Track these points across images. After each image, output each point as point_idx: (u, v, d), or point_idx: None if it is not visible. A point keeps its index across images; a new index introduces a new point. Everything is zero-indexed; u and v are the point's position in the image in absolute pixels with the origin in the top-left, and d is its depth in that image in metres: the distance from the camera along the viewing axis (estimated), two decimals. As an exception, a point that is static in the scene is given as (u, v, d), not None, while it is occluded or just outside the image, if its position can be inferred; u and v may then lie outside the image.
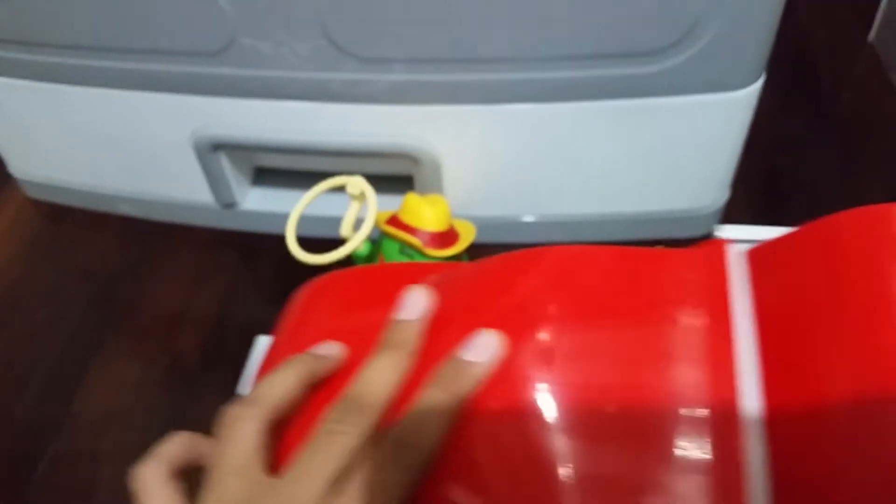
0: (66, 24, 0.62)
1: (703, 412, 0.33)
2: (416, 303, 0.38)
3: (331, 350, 0.38)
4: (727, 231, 0.44)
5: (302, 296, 0.49)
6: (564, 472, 0.31)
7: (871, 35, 0.99)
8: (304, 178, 0.68)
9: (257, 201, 0.76)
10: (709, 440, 0.32)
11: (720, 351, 0.35)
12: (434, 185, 0.68)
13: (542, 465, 0.32)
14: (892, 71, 0.93)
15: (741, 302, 0.38)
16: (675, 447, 0.32)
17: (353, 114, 0.64)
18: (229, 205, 0.75)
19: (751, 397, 0.33)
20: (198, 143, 0.69)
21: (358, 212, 0.62)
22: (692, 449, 0.32)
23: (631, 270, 0.40)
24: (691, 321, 0.36)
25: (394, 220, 0.64)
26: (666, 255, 0.41)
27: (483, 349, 0.34)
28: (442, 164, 0.67)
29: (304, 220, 0.70)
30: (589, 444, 0.32)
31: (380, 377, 0.34)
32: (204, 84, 0.64)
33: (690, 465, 0.32)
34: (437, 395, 0.33)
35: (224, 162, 0.71)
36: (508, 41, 0.58)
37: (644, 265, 0.40)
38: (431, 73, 0.60)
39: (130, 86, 0.66)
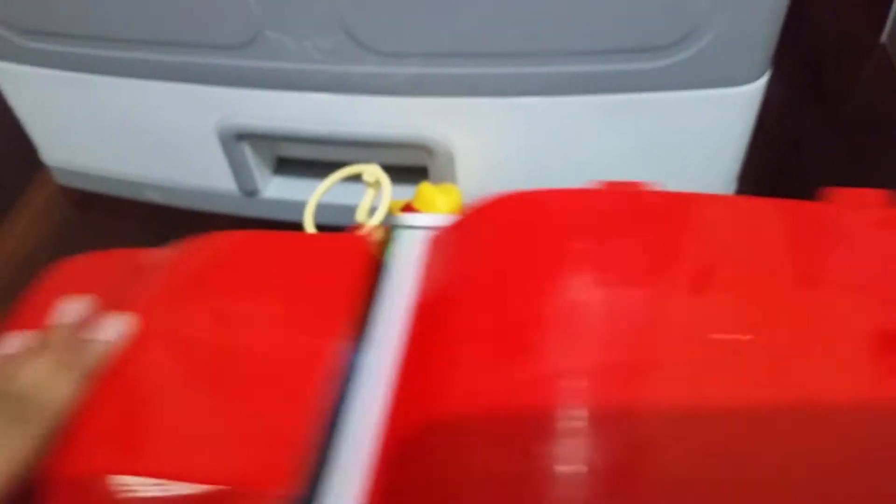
0: (97, 16, 0.65)
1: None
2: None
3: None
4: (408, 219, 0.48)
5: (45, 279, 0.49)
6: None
7: (883, 37, 1.00)
8: (324, 168, 0.70)
9: (278, 189, 0.79)
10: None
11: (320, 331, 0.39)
12: (448, 176, 0.71)
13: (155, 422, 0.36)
14: (902, 72, 0.94)
15: (393, 291, 0.42)
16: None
17: (372, 106, 0.67)
18: (251, 192, 0.78)
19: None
20: (223, 132, 0.72)
21: (373, 199, 0.65)
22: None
23: (284, 255, 0.46)
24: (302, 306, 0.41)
25: (408, 209, 0.66)
26: (319, 240, 0.47)
27: (107, 330, 0.39)
28: (455, 155, 0.69)
29: (322, 208, 0.72)
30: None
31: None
32: (229, 76, 0.67)
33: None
34: (58, 363, 0.37)
35: (247, 151, 0.74)
36: (520, 36, 0.60)
37: (297, 251, 0.46)
38: (446, 66, 0.63)
39: (158, 76, 0.69)
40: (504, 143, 0.69)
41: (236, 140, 0.72)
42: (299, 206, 0.66)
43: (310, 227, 0.64)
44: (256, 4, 0.60)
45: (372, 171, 0.64)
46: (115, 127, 0.77)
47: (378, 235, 0.66)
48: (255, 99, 0.68)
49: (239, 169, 0.75)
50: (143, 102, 0.72)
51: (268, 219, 0.80)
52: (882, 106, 0.93)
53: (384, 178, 0.63)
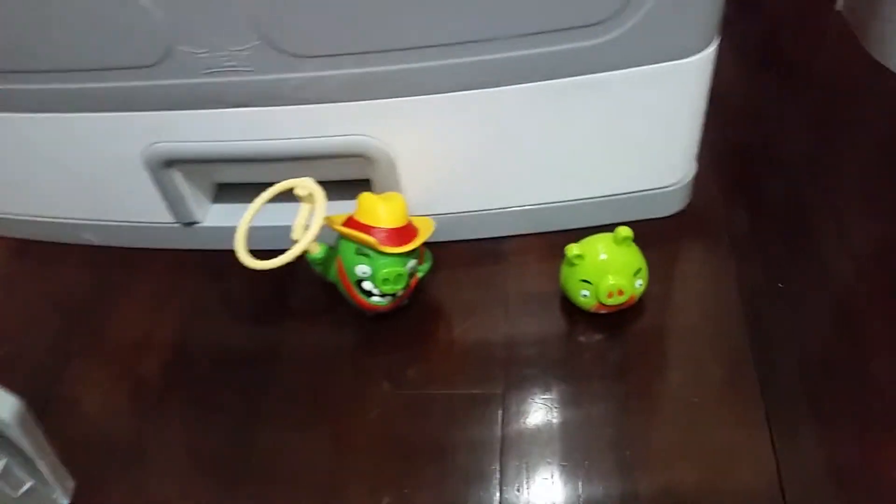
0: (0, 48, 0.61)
1: None
2: None
3: None
4: None
5: None
6: None
7: (839, 4, 0.97)
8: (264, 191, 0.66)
9: (219, 217, 0.75)
10: None
11: None
12: (391, 185, 0.67)
13: None
14: (861, 38, 0.91)
15: None
16: None
17: (302, 117, 0.63)
18: (190, 223, 0.74)
19: None
20: (149, 160, 0.67)
21: (309, 214, 0.61)
22: None
23: None
24: None
25: (350, 221, 0.62)
26: None
27: None
28: (397, 161, 0.65)
29: (262, 231, 0.68)
30: None
31: None
32: (147, 99, 0.63)
33: None
34: None
35: (178, 179, 0.70)
36: (453, 24, 0.56)
37: None
38: (376, 65, 0.59)
39: (74, 108, 0.65)
40: (446, 144, 0.65)
41: (165, 167, 0.68)
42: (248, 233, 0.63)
43: (241, 248, 0.60)
44: (162, 19, 0.56)
45: (304, 185, 0.60)
46: (41, 167, 0.72)
47: (314, 251, 0.62)
48: (177, 121, 0.64)
49: (173, 199, 0.71)
50: (65, 137, 0.68)
51: (212, 249, 0.75)
52: (843, 74, 0.89)
53: (317, 191, 0.59)
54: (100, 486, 0.59)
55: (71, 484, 0.57)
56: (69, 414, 0.64)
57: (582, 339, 0.64)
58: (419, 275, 0.65)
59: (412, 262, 0.62)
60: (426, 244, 0.69)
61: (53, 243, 0.80)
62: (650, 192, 0.69)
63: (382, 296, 0.62)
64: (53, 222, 0.78)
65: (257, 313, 0.71)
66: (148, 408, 0.64)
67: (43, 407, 0.65)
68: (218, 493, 0.58)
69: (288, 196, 0.62)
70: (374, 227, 0.60)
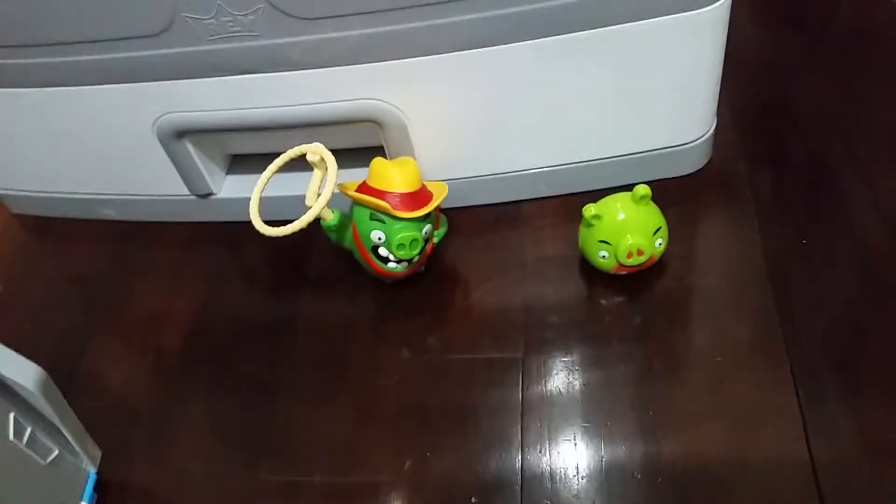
0: (7, 22, 0.61)
1: None
2: None
3: None
4: None
5: None
6: None
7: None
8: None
9: (234, 189, 0.74)
10: None
11: None
12: (404, 149, 0.66)
13: None
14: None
15: None
16: None
17: (312, 82, 0.62)
18: (205, 195, 0.74)
19: None
20: (161, 131, 0.67)
21: (321, 180, 0.60)
22: None
23: None
24: None
25: (363, 187, 0.62)
26: None
27: None
28: (409, 125, 0.64)
29: (278, 202, 0.68)
30: None
31: None
32: (155, 68, 0.62)
33: None
34: None
35: (191, 149, 0.69)
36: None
37: None
38: (384, 25, 0.57)
39: (84, 81, 0.64)
40: (460, 104, 0.63)
41: (176, 138, 0.68)
42: (263, 203, 0.62)
43: (255, 215, 0.60)
44: (167, -15, 0.55)
45: (315, 150, 0.59)
46: (55, 143, 0.72)
47: (327, 217, 0.62)
48: (186, 91, 0.64)
49: (186, 170, 0.71)
50: (77, 111, 0.68)
51: (228, 221, 0.75)
52: (868, 25, 0.86)
53: (328, 156, 0.59)
54: (125, 455, 0.60)
55: (98, 453, 0.57)
56: (93, 387, 0.65)
57: (602, 301, 0.63)
58: (435, 240, 0.64)
59: (427, 227, 0.62)
60: (441, 209, 0.68)
61: (73, 219, 0.81)
62: (669, 149, 0.67)
63: (398, 262, 0.61)
64: (72, 198, 0.78)
65: (275, 284, 0.71)
66: (170, 380, 0.65)
67: (67, 381, 0.66)
68: (241, 462, 0.58)
69: (303, 165, 0.61)
70: (387, 192, 0.60)
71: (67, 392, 0.55)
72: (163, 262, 0.75)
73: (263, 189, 0.62)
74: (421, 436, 0.57)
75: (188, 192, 0.74)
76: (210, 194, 0.74)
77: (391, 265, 0.62)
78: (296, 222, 0.57)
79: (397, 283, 0.66)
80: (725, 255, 0.64)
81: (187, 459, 0.59)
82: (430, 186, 0.63)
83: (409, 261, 0.62)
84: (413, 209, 0.60)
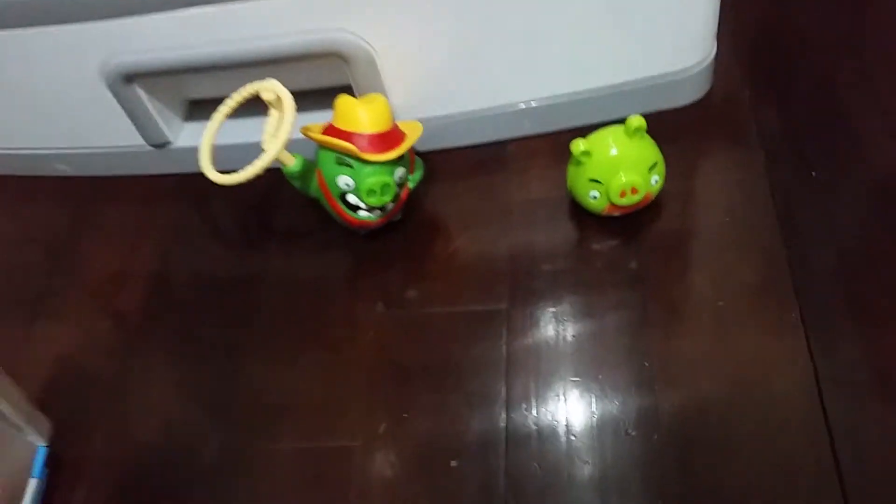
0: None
1: None
2: None
3: None
4: None
5: None
6: None
7: None
8: (240, 107, 0.60)
9: (193, 137, 0.69)
10: None
11: None
12: (373, 86, 0.60)
13: None
14: None
15: None
16: None
17: (270, 13, 0.56)
18: (161, 144, 0.68)
19: None
20: (108, 76, 0.61)
21: (278, 120, 0.54)
22: None
23: None
24: None
25: (328, 129, 0.56)
26: None
27: None
28: (377, 58, 0.58)
29: (237, 150, 0.62)
30: None
31: None
32: (96, 5, 0.56)
33: None
34: None
35: (143, 95, 0.63)
36: None
37: None
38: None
39: (19, 23, 0.58)
40: (433, 33, 0.57)
41: (126, 83, 0.62)
42: (220, 152, 0.57)
43: (205, 161, 0.54)
44: None
45: (269, 88, 0.53)
46: (2, 95, 0.66)
47: (287, 162, 0.56)
48: (131, 29, 0.58)
49: (139, 118, 0.65)
50: (16, 58, 0.62)
51: (189, 173, 0.70)
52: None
53: (284, 94, 0.53)
54: (81, 425, 0.55)
55: (47, 425, 0.53)
56: (48, 355, 0.60)
57: (594, 245, 0.58)
58: (410, 185, 0.59)
59: (400, 172, 0.56)
60: (417, 152, 0.62)
61: (28, 177, 0.75)
62: (665, 77, 0.61)
63: (370, 210, 0.56)
64: (25, 154, 0.73)
65: (241, 239, 0.66)
66: (130, 342, 0.60)
67: (20, 347, 0.61)
68: (206, 431, 0.54)
69: (263, 110, 0.55)
70: (354, 134, 0.54)
71: (19, 358, 0.50)
72: (122, 220, 0.70)
73: (216, 134, 0.56)
74: (397, 396, 0.52)
75: (144, 143, 0.68)
76: (167, 143, 0.68)
77: (362, 213, 0.57)
78: (249, 167, 0.52)
79: (371, 233, 0.61)
80: (728, 191, 0.59)
81: (149, 425, 0.55)
82: (403, 126, 0.57)
83: (382, 208, 0.56)
84: (383, 151, 0.54)
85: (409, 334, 0.55)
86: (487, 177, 0.64)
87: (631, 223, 0.57)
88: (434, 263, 0.59)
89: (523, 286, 0.56)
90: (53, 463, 0.53)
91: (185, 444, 0.53)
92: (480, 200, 0.63)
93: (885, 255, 0.52)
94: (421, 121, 0.61)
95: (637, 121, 0.53)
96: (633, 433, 0.47)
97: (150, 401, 0.56)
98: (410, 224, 0.62)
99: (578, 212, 0.59)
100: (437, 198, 0.64)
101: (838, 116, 0.61)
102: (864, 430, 0.44)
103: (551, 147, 0.64)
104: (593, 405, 0.49)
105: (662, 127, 0.59)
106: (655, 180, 0.55)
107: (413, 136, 0.56)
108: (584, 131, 0.58)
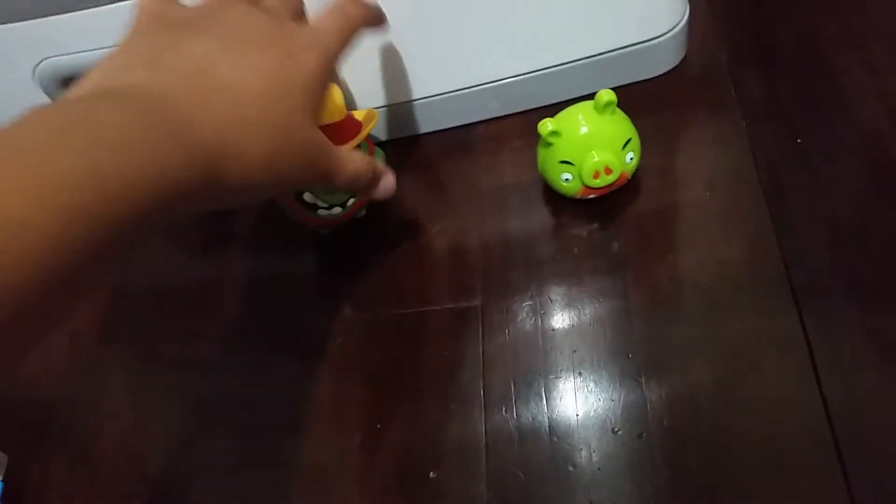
0: None
1: None
2: None
3: None
4: None
5: None
6: None
7: None
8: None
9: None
10: None
11: None
12: (327, 74, 0.56)
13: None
14: None
15: None
16: None
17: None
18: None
19: None
20: (43, 79, 0.57)
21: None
22: None
23: None
24: None
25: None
26: None
27: None
28: (328, 44, 0.54)
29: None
30: None
31: None
32: (27, 3, 0.52)
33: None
34: None
35: (84, 99, 0.60)
36: None
37: None
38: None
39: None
40: (389, 10, 0.53)
41: (64, 86, 0.58)
42: None
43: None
44: None
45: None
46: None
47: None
48: (67, 28, 0.54)
49: (82, 123, 0.61)
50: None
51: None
52: None
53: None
54: (40, 456, 0.52)
55: (4, 459, 0.50)
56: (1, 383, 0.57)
57: (570, 231, 0.54)
58: None
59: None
60: (379, 142, 0.59)
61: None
62: (637, 46, 0.57)
63: (329, 208, 0.53)
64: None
65: (201, 245, 0.63)
66: (88, 364, 0.57)
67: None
68: (169, 453, 0.51)
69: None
70: (306, 127, 0.50)
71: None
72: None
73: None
74: (368, 406, 0.49)
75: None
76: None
77: (321, 212, 0.53)
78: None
79: (335, 232, 0.57)
80: (709, 165, 0.55)
81: (110, 451, 0.52)
82: (358, 115, 0.53)
83: (342, 205, 0.53)
84: (337, 143, 0.50)
85: (379, 338, 0.52)
86: (457, 163, 0.61)
87: (608, 205, 0.54)
88: (404, 261, 0.56)
89: (497, 279, 0.53)
90: (11, 498, 0.50)
91: (149, 471, 0.50)
92: (450, 189, 0.59)
93: (879, 222, 0.49)
94: (383, 108, 0.57)
95: (607, 95, 0.49)
96: (620, 431, 0.44)
97: (111, 424, 0.53)
98: (377, 219, 0.59)
99: (552, 196, 0.55)
100: (405, 189, 0.60)
101: (824, 77, 0.58)
102: (869, 419, 0.41)
103: (522, 128, 0.61)
104: (576, 404, 0.46)
105: (636, 100, 0.55)
106: (630, 158, 0.51)
107: (369, 124, 0.52)
108: (555, 110, 0.54)
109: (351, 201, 0.53)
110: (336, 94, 0.52)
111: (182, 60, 0.34)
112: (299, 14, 0.44)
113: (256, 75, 0.35)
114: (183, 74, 0.34)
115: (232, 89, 0.34)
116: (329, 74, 0.40)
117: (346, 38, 0.42)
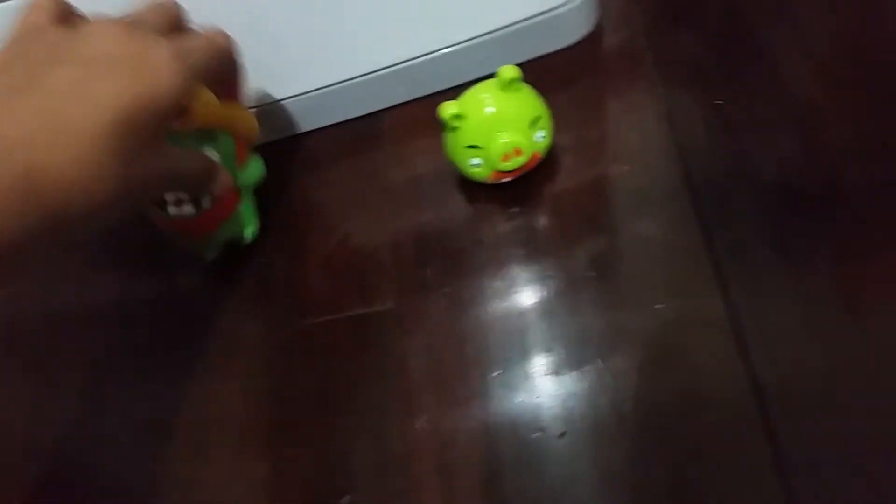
0: None
1: None
2: None
3: None
4: None
5: None
6: None
7: None
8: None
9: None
10: None
11: None
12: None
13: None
14: None
15: None
16: None
17: None
18: None
19: None
20: None
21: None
22: None
23: None
24: None
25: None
26: None
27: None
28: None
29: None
30: None
31: None
32: None
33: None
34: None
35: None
36: None
37: None
38: None
39: None
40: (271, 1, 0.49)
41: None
42: None
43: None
44: None
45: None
46: None
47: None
48: None
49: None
50: None
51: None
52: None
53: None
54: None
55: None
56: None
57: (485, 220, 0.51)
58: (240, 183, 0.50)
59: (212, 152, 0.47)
60: (280, 139, 0.54)
61: None
62: (542, 17, 0.53)
63: (177, 203, 0.47)
64: None
65: (97, 262, 0.57)
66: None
67: None
68: (62, 485, 0.46)
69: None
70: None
71: None
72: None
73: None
74: (277, 432, 0.45)
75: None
76: None
77: (171, 209, 0.47)
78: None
79: (230, 246, 0.53)
80: (626, 136, 0.52)
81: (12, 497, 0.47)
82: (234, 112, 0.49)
83: (195, 202, 0.47)
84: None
85: (284, 356, 0.48)
86: (364, 156, 0.57)
87: (523, 187, 0.50)
88: (311, 266, 0.52)
89: (411, 278, 0.49)
90: None
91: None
92: (358, 184, 0.55)
93: (805, 185, 0.46)
94: (279, 102, 0.53)
95: (510, 71, 0.46)
96: (539, 435, 0.41)
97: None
98: (282, 223, 0.54)
99: (466, 183, 0.52)
100: (311, 187, 0.56)
101: (747, 39, 0.55)
102: (803, 396, 0.39)
103: (431, 113, 0.56)
104: (500, 405, 0.42)
105: (547, 74, 0.52)
106: (541, 136, 0.48)
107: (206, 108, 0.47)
108: (463, 90, 0.50)
109: (207, 201, 0.48)
110: (207, 97, 0.46)
111: (34, 100, 0.35)
112: (177, 26, 0.44)
113: (105, 110, 0.36)
114: (34, 116, 0.35)
115: (76, 129, 0.35)
116: (188, 85, 0.40)
117: (212, 56, 0.44)
